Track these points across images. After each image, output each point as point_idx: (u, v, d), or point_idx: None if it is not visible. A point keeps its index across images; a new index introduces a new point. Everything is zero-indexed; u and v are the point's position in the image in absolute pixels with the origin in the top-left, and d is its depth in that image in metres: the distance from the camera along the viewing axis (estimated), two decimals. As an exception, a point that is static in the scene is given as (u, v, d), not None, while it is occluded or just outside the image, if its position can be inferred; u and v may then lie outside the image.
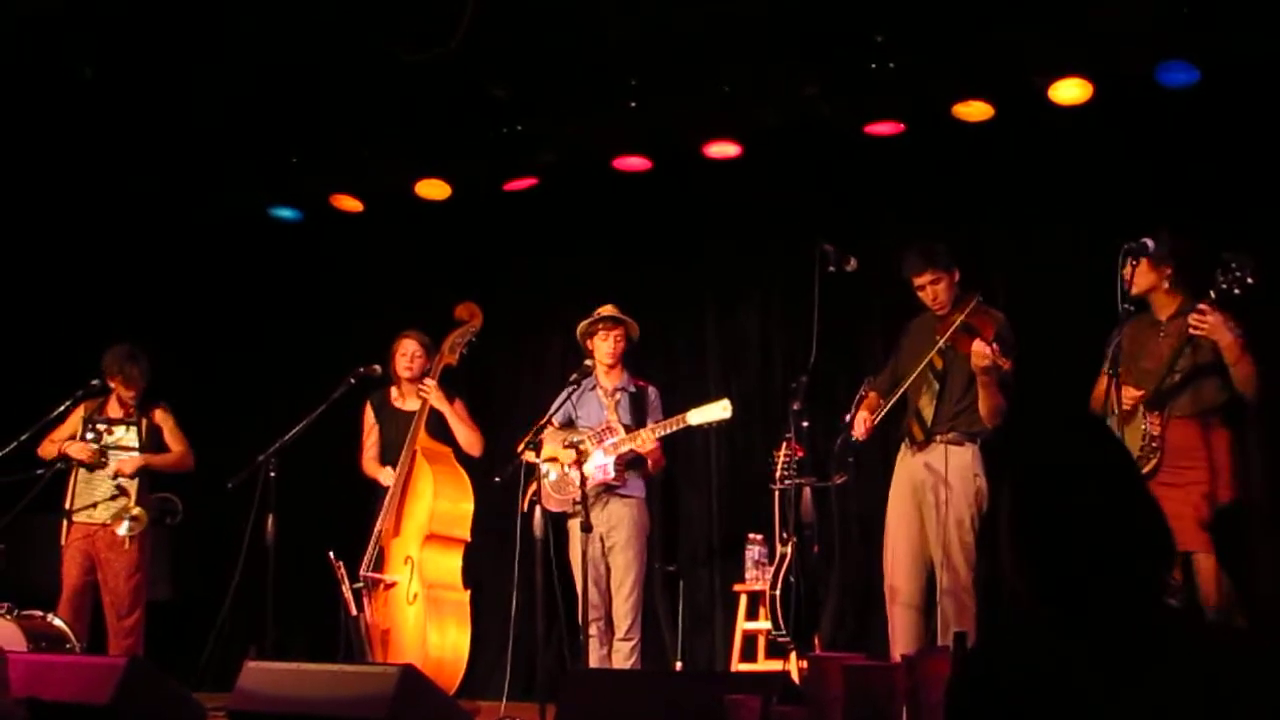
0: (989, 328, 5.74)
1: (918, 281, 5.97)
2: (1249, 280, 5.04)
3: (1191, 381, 5.31)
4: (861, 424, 6.03)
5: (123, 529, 6.82)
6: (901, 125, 6.89)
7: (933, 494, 5.87)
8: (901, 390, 5.98)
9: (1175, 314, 5.37)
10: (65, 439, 6.97)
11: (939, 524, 5.81)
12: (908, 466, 6.02)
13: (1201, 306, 5.18)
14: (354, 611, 6.51)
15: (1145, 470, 5.24)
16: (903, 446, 6.08)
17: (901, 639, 5.91)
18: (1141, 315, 5.45)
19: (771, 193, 7.41)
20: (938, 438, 5.91)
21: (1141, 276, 5.31)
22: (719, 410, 6.38)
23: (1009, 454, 2.21)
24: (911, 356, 6.08)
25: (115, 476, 6.92)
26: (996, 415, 5.81)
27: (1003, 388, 5.77)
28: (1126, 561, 2.02)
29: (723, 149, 7.30)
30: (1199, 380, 5.31)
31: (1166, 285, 5.37)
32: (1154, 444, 5.24)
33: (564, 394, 6.53)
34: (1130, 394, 5.26)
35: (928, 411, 5.96)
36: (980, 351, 5.64)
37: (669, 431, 6.47)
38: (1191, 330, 5.20)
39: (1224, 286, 5.09)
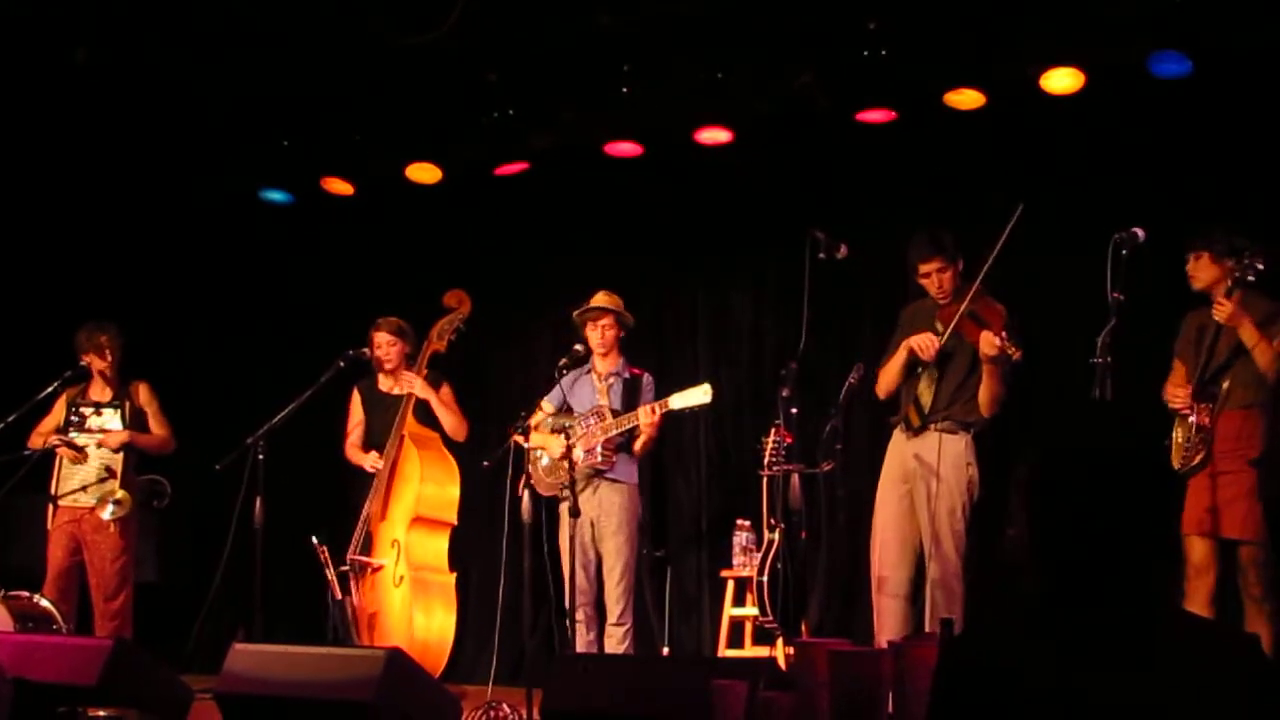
0: (997, 318, 5.72)
1: (924, 268, 5.91)
2: (1259, 266, 5.15)
3: (1247, 370, 5.33)
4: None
5: (107, 513, 6.79)
6: (893, 113, 6.88)
7: (924, 483, 5.84)
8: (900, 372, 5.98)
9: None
10: (51, 429, 6.95)
11: (930, 513, 5.80)
12: (899, 453, 5.98)
13: (1218, 297, 5.23)
14: (340, 595, 6.52)
15: (1195, 462, 5.30)
16: (896, 432, 6.04)
17: (888, 627, 5.91)
18: (1206, 305, 5.48)
19: (763, 179, 7.40)
20: (933, 425, 5.88)
21: (1204, 271, 5.37)
22: (700, 395, 6.35)
23: (1025, 448, 2.18)
24: None
25: (100, 448, 6.88)
26: (995, 404, 5.80)
27: (1004, 378, 5.77)
28: (1141, 559, 2.01)
29: (714, 135, 7.28)
30: (1257, 369, 5.32)
31: (1229, 281, 5.36)
32: (1201, 435, 5.27)
33: (557, 378, 6.54)
34: (1180, 391, 5.35)
35: (926, 398, 5.92)
36: (990, 340, 5.61)
37: (656, 417, 6.46)
38: (1216, 319, 5.28)
39: (1237, 274, 5.19)
